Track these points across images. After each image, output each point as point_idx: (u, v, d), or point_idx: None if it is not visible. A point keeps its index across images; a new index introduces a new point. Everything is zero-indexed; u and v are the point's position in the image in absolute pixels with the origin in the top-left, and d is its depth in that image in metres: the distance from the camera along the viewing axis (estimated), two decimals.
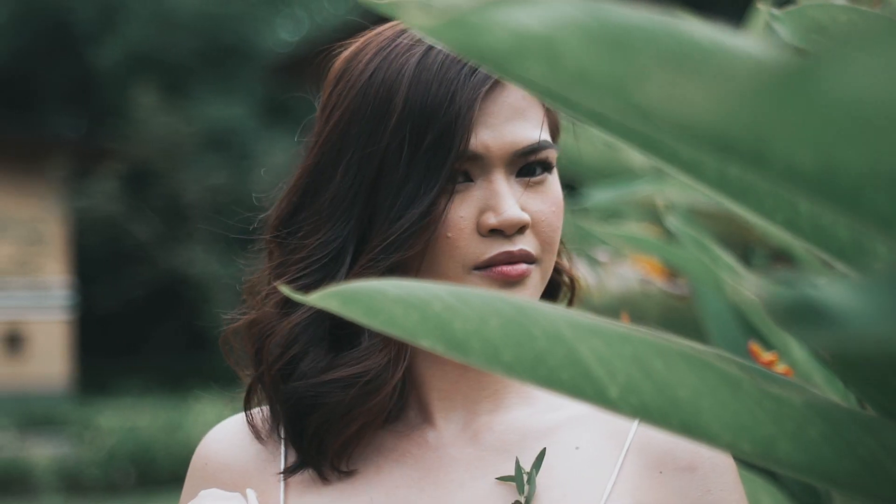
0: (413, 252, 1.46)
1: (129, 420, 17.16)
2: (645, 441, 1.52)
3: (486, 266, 1.47)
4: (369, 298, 0.85)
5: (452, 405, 1.56)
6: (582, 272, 2.01)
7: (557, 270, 1.61)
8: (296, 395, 1.51)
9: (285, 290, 0.90)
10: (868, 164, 0.65)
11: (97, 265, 25.82)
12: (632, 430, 1.52)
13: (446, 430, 1.56)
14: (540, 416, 1.55)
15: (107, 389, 22.11)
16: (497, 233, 1.47)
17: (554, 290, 1.63)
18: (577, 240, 2.31)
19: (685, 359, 0.80)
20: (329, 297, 0.85)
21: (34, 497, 15.50)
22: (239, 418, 1.60)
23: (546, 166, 1.51)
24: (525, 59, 0.65)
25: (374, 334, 1.48)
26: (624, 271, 2.12)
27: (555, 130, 1.53)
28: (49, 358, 21.72)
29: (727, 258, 1.61)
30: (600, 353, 0.81)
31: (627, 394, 0.81)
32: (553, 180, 1.52)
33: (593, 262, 2.28)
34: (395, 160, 1.46)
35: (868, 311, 0.53)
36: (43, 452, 16.71)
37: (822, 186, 0.66)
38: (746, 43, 0.64)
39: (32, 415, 18.61)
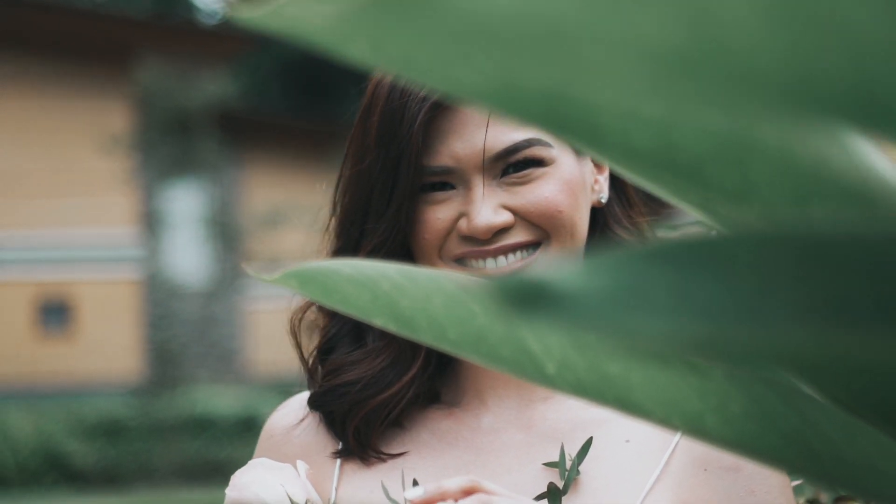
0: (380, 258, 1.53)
1: None
2: None
3: (461, 258, 1.53)
4: (325, 278, 0.87)
5: (507, 391, 1.59)
6: None
7: None
8: (310, 396, 1.61)
9: (251, 272, 0.94)
10: (706, 142, 0.64)
11: None
12: None
13: (501, 416, 1.58)
14: (595, 407, 1.55)
15: None
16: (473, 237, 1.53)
17: None
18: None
19: None
20: (289, 278, 0.87)
21: None
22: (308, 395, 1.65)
23: (536, 162, 1.52)
24: (348, 46, 0.65)
25: (377, 336, 1.56)
26: None
27: None
28: None
29: None
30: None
31: (564, 370, 0.81)
32: (550, 172, 1.53)
33: None
34: (375, 176, 1.54)
35: (597, 293, 0.53)
36: None
37: (662, 163, 0.65)
38: None
39: None
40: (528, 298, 0.53)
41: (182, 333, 18.43)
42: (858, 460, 0.75)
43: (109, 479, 14.16)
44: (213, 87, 17.43)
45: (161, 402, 15.69)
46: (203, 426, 15.21)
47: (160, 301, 18.46)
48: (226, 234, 18.56)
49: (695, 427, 0.78)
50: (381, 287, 0.85)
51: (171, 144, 17.28)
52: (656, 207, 1.64)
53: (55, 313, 17.52)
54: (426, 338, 0.83)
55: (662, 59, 0.49)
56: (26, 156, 17.48)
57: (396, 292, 0.84)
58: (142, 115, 17.23)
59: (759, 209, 0.65)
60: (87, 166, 17.59)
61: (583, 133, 0.65)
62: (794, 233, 0.54)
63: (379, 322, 0.84)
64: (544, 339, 0.80)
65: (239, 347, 20.06)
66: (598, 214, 1.61)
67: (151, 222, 17.84)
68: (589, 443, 1.51)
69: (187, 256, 18.85)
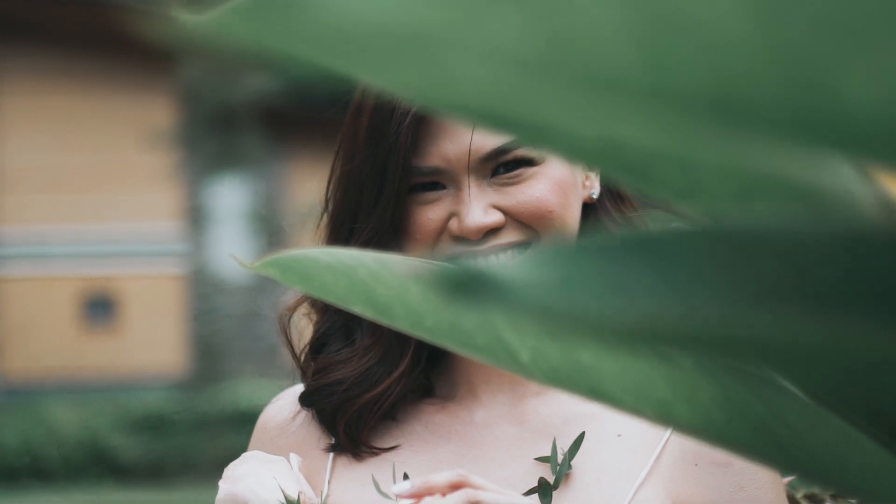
0: None
1: None
2: None
3: (452, 258, 1.52)
4: (304, 266, 0.88)
5: (499, 386, 1.60)
6: None
7: None
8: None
9: (236, 259, 0.94)
10: (652, 143, 0.64)
11: None
12: None
13: (493, 410, 1.59)
14: (587, 401, 1.56)
15: None
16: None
17: None
18: None
19: None
20: (269, 266, 0.88)
21: None
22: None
23: (526, 162, 1.53)
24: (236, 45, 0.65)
25: (365, 334, 1.56)
26: None
27: None
28: None
29: None
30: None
31: (537, 358, 0.81)
32: (541, 171, 1.53)
33: None
34: (364, 176, 1.54)
35: (536, 283, 0.53)
36: None
37: (609, 160, 0.65)
38: None
39: None
40: (465, 286, 0.53)
41: (226, 328, 18.48)
42: (825, 451, 0.75)
43: (154, 473, 14.23)
44: (257, 82, 17.46)
45: (205, 397, 15.75)
46: (247, 421, 15.07)
47: (205, 296, 18.52)
48: (270, 228, 18.61)
49: (665, 416, 0.78)
50: (358, 275, 0.86)
51: (216, 139, 17.33)
52: (651, 201, 1.63)
53: (100, 308, 17.64)
54: (403, 325, 0.83)
55: (521, 64, 0.49)
56: (71, 151, 17.61)
57: (373, 280, 0.85)
58: (186, 111, 17.29)
59: (705, 205, 0.66)
60: (132, 161, 17.69)
61: (524, 125, 0.65)
62: (728, 228, 0.55)
63: (357, 309, 0.85)
64: (518, 328, 0.80)
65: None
66: (590, 210, 1.61)
67: (196, 217, 17.89)
68: (581, 438, 1.52)
69: (232, 251, 18.92)
